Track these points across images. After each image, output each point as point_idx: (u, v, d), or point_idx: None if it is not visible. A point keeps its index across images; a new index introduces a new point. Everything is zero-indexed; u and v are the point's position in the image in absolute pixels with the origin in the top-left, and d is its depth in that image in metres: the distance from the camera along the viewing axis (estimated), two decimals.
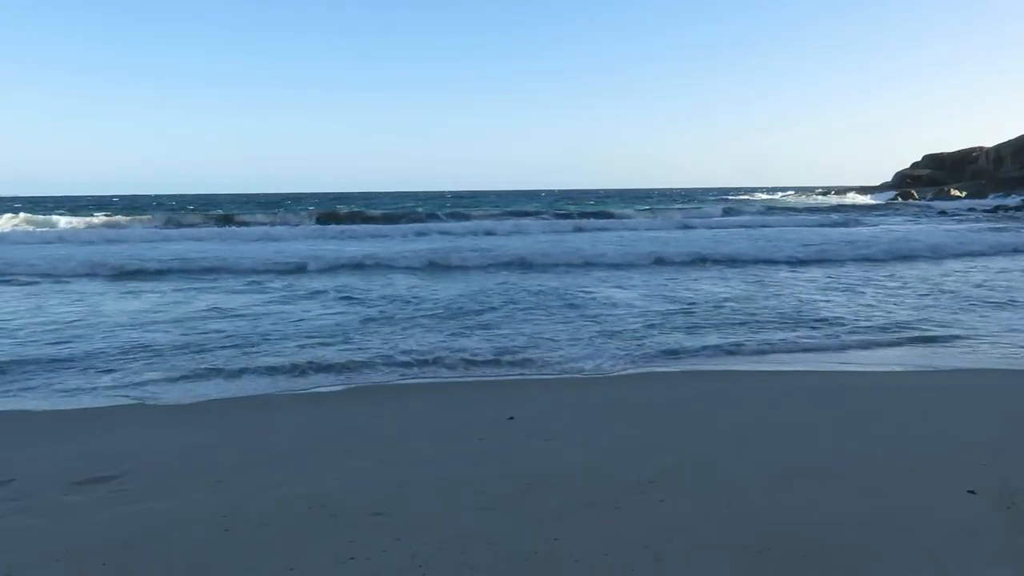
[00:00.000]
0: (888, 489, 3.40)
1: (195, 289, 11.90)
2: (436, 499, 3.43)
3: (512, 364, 6.76)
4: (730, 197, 72.54)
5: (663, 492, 3.43)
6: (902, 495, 3.33)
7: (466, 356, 6.96)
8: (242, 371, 6.54)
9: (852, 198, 59.71)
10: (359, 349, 7.30)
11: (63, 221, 31.84)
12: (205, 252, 17.27)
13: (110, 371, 6.62)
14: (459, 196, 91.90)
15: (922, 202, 46.49)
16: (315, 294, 11.17)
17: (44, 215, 35.52)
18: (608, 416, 4.97)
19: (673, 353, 7.12)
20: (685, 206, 46.92)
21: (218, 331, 8.36)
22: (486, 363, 6.77)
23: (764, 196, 74.16)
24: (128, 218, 34.96)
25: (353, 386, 6.17)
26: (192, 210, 47.52)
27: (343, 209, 41.86)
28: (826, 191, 79.25)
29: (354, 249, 17.94)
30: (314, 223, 33.00)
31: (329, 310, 9.78)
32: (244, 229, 28.70)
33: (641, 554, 2.81)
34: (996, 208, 37.71)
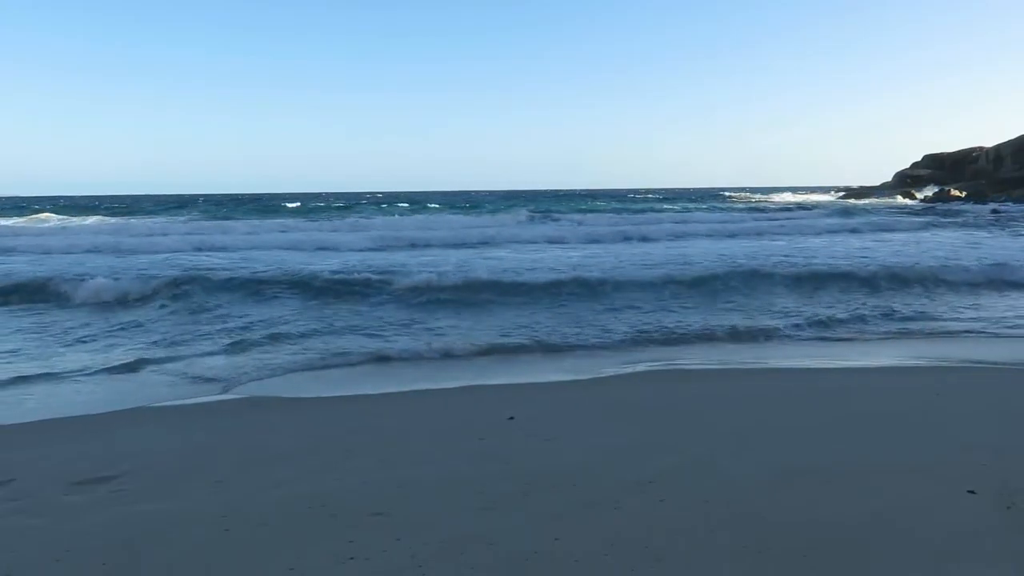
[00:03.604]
0: (888, 489, 3.40)
1: None
2: (436, 499, 3.43)
3: None
4: (758, 197, 71.62)
5: (663, 492, 3.42)
6: (902, 495, 3.33)
7: None
8: None
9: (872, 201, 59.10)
10: None
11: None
12: None
13: None
14: (466, 195, 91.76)
15: (956, 205, 44.75)
16: None
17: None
18: (608, 416, 4.97)
19: None
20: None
21: None
22: None
23: (790, 196, 73.11)
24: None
25: (355, 387, 6.17)
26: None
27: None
28: (838, 190, 79.00)
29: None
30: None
31: None
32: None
33: (641, 554, 2.81)
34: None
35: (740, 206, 51.37)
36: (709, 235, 23.87)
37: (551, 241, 22.20)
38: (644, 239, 22.72)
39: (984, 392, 5.54)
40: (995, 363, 6.64)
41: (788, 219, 31.77)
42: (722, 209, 44.75)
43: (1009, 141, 55.09)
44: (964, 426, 4.51)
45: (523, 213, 33.39)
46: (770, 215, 36.30)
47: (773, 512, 3.16)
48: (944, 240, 20.26)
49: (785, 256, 15.46)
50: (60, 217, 39.34)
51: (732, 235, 24.02)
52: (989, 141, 61.90)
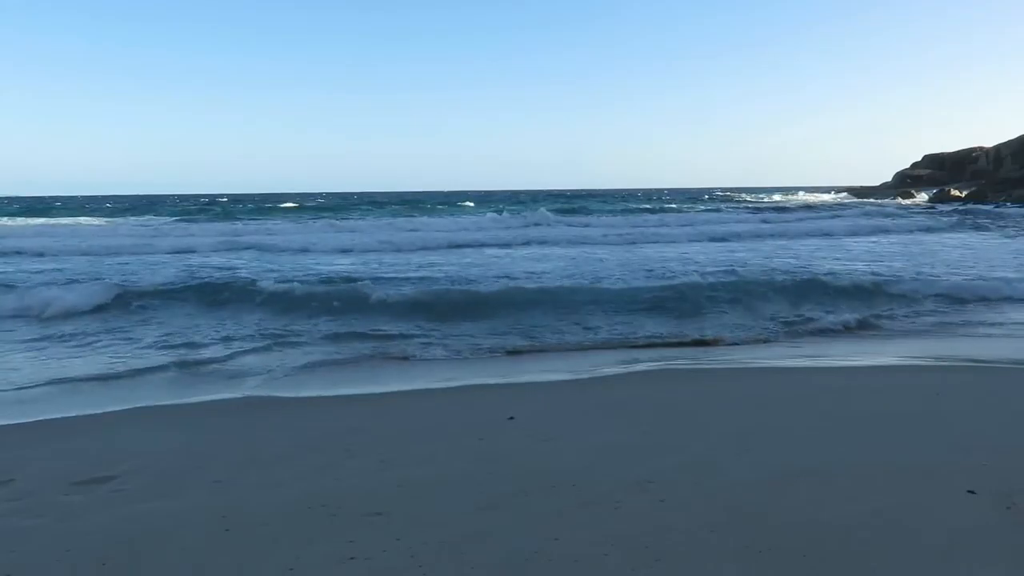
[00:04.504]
0: (888, 489, 3.40)
1: None
2: (436, 499, 3.43)
3: None
4: (771, 197, 71.01)
5: (663, 492, 3.42)
6: (902, 495, 3.33)
7: None
8: None
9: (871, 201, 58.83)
10: None
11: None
12: None
13: None
14: (464, 195, 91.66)
15: (956, 206, 44.29)
16: None
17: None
18: (608, 416, 4.97)
19: None
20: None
21: None
22: None
23: (804, 196, 72.46)
24: None
25: (355, 387, 6.17)
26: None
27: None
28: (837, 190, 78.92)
29: None
30: None
31: None
32: None
33: (641, 554, 2.81)
34: None
35: (751, 206, 51.17)
36: (724, 238, 23.50)
37: (571, 242, 22.09)
38: (651, 241, 22.62)
39: (984, 392, 5.54)
40: (996, 363, 6.64)
41: (812, 219, 31.53)
42: (737, 210, 44.59)
43: (1009, 141, 55.11)
44: (964, 426, 4.51)
45: (549, 216, 33.15)
46: (787, 215, 36.11)
47: (773, 512, 3.16)
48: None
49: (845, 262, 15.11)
50: (43, 220, 39.15)
51: (736, 237, 23.77)
52: (989, 141, 61.99)
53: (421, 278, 12.92)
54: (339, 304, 10.13)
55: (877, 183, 71.95)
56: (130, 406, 5.56)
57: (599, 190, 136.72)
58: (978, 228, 25.60)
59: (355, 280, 12.33)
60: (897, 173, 68.47)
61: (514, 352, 7.56)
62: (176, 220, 37.82)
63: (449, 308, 9.70)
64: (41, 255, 18.81)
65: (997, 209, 39.13)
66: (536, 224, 28.96)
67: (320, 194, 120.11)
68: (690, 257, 16.78)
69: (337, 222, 32.39)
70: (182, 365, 6.98)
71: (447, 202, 62.57)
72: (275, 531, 3.11)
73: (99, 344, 7.99)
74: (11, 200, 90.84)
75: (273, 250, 20.09)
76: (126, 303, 10.40)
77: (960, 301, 10.14)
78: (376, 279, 12.79)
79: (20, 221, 38.49)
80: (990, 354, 7.01)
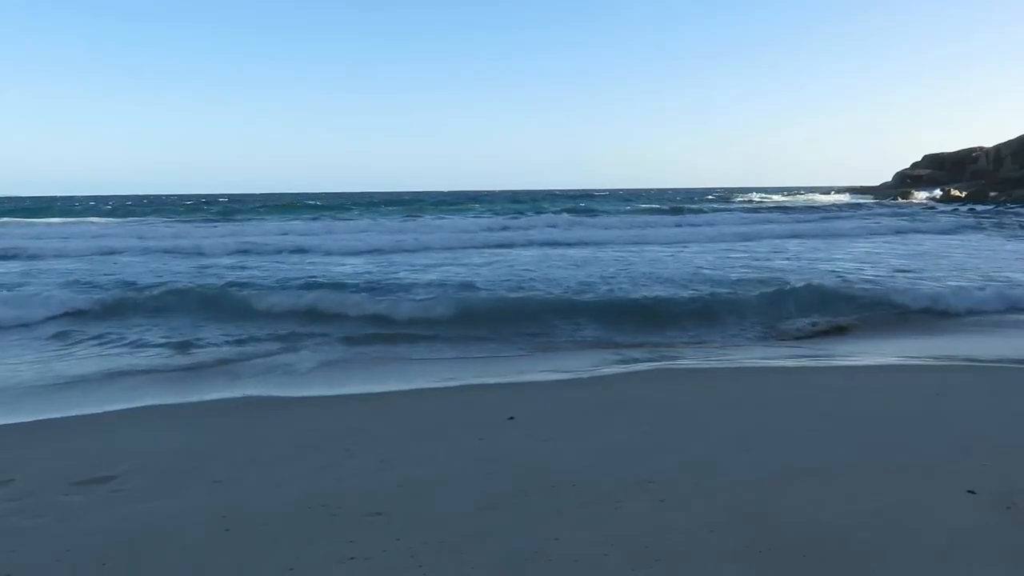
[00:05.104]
0: (888, 489, 3.40)
1: None
2: (436, 499, 3.43)
3: None
4: (774, 198, 70.16)
5: (663, 492, 3.42)
6: (902, 495, 3.33)
7: None
8: None
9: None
10: None
11: None
12: None
13: None
14: (465, 195, 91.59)
15: (961, 205, 44.17)
16: None
17: None
18: (608, 416, 4.97)
19: None
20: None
21: None
22: None
23: (819, 196, 71.59)
24: None
25: (355, 387, 6.17)
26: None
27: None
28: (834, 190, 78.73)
29: None
30: None
31: None
32: None
33: (641, 554, 2.81)
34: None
35: (753, 207, 50.92)
36: (728, 239, 23.10)
37: (576, 243, 21.93)
38: (655, 241, 22.44)
39: (984, 392, 5.54)
40: (996, 362, 6.64)
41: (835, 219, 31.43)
42: (739, 211, 44.43)
43: (1009, 141, 55.13)
44: (964, 426, 4.51)
45: (558, 218, 33.03)
46: (789, 215, 35.97)
47: (773, 512, 3.16)
48: None
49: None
50: (43, 220, 38.97)
51: (741, 237, 23.52)
52: (989, 141, 61.98)
53: (428, 281, 12.90)
54: (338, 304, 10.12)
55: (877, 183, 71.90)
56: (130, 406, 5.57)
57: (599, 190, 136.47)
58: (980, 228, 25.63)
59: (354, 281, 12.33)
60: (897, 173, 68.43)
61: (515, 352, 7.56)
62: (176, 220, 37.77)
63: (451, 309, 9.69)
64: (40, 256, 18.81)
65: (998, 209, 39.18)
66: (542, 226, 28.88)
67: (320, 194, 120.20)
68: (693, 258, 16.78)
69: (337, 222, 32.29)
70: (182, 365, 6.99)
71: (447, 202, 62.39)
72: (275, 531, 3.11)
73: (99, 344, 7.99)
74: (11, 200, 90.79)
75: (273, 251, 20.08)
76: (125, 304, 10.39)
77: (962, 303, 10.12)
78: (376, 279, 12.80)
79: (20, 221, 38.43)
80: (990, 354, 7.01)
